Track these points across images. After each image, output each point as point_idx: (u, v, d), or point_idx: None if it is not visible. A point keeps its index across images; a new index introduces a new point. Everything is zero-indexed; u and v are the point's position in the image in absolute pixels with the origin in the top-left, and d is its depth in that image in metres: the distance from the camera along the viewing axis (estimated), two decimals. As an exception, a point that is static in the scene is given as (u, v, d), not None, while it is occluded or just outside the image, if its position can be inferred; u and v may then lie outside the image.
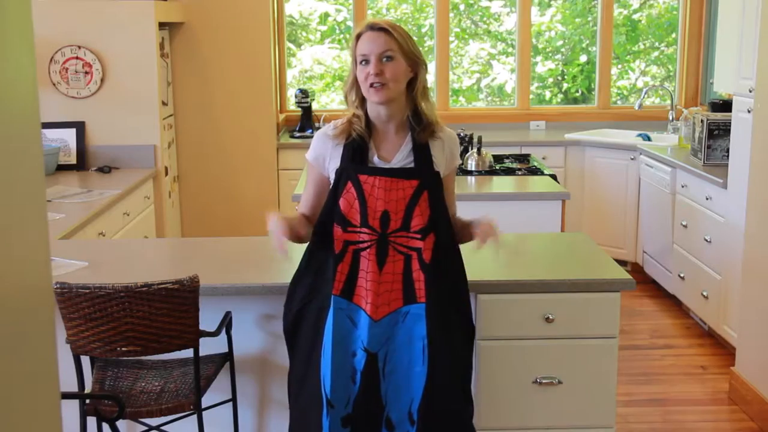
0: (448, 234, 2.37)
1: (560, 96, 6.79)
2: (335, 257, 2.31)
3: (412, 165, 2.35)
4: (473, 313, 2.72)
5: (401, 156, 2.36)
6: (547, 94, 6.78)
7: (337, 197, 2.32)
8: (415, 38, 2.39)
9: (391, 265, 2.30)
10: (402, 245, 2.31)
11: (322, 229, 2.35)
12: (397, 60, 2.30)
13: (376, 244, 2.30)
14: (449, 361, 2.33)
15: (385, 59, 2.29)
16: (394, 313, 2.31)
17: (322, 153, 2.40)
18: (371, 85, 2.29)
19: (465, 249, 2.99)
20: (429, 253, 2.31)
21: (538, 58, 6.66)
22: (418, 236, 2.31)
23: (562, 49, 6.71)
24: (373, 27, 2.32)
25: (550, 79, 6.70)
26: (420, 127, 2.37)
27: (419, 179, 2.33)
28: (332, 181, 2.37)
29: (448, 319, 2.35)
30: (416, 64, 2.35)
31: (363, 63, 2.31)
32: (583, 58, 6.67)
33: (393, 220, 2.30)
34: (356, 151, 2.34)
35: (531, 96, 6.51)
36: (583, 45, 6.64)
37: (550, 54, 6.71)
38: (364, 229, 2.30)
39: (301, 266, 2.42)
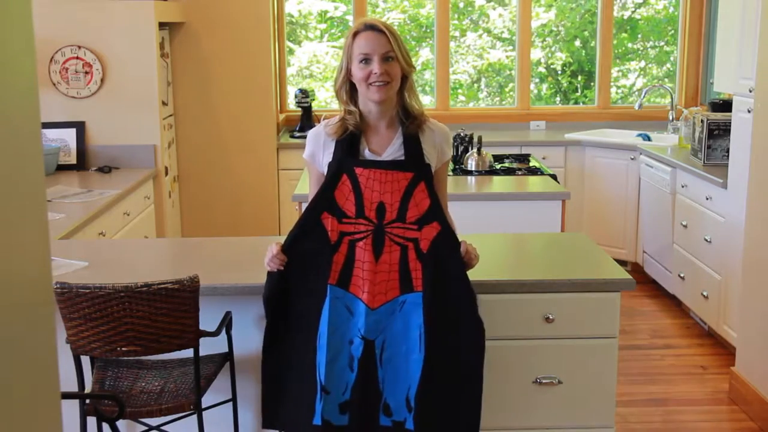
0: (445, 224, 2.40)
1: (559, 95, 6.79)
2: (331, 247, 2.35)
3: (403, 158, 2.40)
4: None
5: (392, 149, 2.42)
6: (544, 88, 6.78)
7: (333, 188, 2.37)
8: (414, 34, 2.44)
9: (387, 256, 2.35)
10: (398, 236, 2.36)
11: (309, 215, 2.39)
12: (396, 61, 2.38)
13: (372, 234, 2.35)
14: (446, 349, 2.36)
15: (387, 59, 2.36)
16: (391, 302, 2.35)
17: (316, 149, 2.46)
18: (373, 84, 2.36)
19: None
20: (426, 243, 2.35)
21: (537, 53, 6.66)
22: (415, 227, 2.36)
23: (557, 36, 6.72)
24: (374, 27, 2.38)
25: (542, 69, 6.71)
26: (408, 120, 2.43)
27: (414, 171, 2.38)
28: (326, 174, 2.41)
29: (446, 307, 2.37)
30: (407, 66, 2.43)
31: (364, 62, 2.36)
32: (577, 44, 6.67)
33: (389, 212, 2.35)
34: (349, 145, 2.40)
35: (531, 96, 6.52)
36: (575, 33, 6.64)
37: (543, 45, 6.71)
38: (360, 220, 2.35)
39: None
